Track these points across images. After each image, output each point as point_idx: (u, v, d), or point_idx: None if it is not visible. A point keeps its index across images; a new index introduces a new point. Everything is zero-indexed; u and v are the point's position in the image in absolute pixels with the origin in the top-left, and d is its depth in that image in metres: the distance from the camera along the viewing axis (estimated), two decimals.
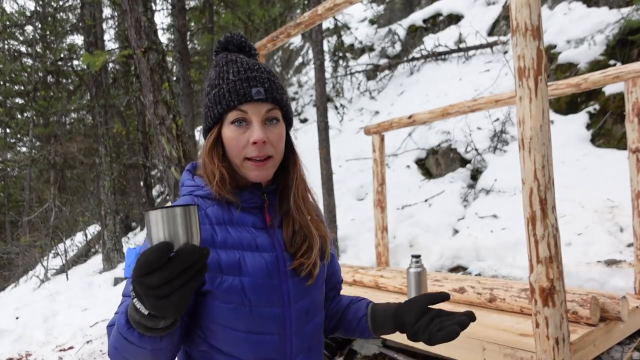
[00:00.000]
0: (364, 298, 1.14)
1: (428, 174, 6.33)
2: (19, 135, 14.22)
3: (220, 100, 0.93)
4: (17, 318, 5.95)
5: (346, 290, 3.52)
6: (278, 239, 0.97)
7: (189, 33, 10.43)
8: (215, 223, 0.93)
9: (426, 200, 5.55)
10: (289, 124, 1.02)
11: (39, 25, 11.19)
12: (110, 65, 10.77)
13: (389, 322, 1.02)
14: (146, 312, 0.67)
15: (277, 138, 0.95)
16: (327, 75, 9.22)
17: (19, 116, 12.99)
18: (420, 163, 6.51)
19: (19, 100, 12.97)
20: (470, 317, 0.91)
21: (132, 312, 0.70)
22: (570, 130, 5.13)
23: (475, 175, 5.66)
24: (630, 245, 3.56)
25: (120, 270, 7.66)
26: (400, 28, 9.62)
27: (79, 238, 11.08)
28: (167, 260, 0.63)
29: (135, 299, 0.68)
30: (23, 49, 12.10)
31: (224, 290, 0.87)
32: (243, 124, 0.93)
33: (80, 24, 8.92)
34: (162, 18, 31.53)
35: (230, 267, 0.89)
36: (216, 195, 0.94)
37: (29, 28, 11.84)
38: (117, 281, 7.08)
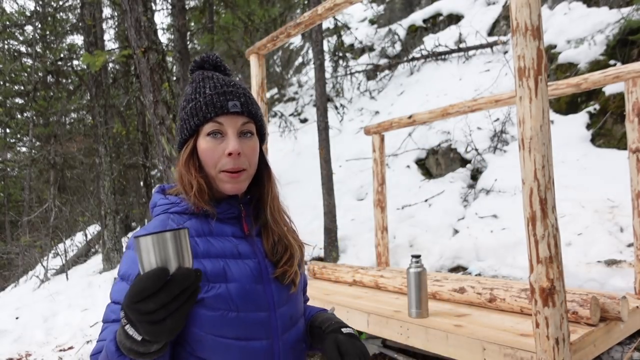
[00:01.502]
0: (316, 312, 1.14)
1: (428, 174, 6.33)
2: (19, 135, 14.21)
3: (197, 113, 0.95)
4: (17, 318, 5.95)
5: (346, 290, 3.52)
6: (258, 247, 1.00)
7: (189, 33, 10.41)
8: (195, 236, 0.94)
9: (426, 200, 5.55)
10: (262, 139, 1.05)
11: (39, 25, 11.18)
12: (110, 65, 10.76)
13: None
14: (139, 338, 0.68)
15: (251, 151, 0.97)
16: (327, 75, 9.22)
17: (19, 116, 12.99)
18: (420, 163, 6.51)
19: (19, 100, 12.98)
20: None
21: (122, 339, 0.70)
22: (570, 130, 5.12)
23: (475, 175, 5.66)
24: (630, 245, 3.56)
25: None
26: (400, 28, 9.62)
27: (79, 238, 11.06)
28: (163, 285, 0.64)
29: (127, 325, 0.69)
30: (23, 49, 12.10)
31: (211, 297, 0.89)
32: (219, 135, 0.95)
33: (80, 24, 8.92)
34: (162, 18, 31.51)
35: (215, 275, 0.90)
36: (193, 209, 0.95)
37: (29, 28, 11.85)
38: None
